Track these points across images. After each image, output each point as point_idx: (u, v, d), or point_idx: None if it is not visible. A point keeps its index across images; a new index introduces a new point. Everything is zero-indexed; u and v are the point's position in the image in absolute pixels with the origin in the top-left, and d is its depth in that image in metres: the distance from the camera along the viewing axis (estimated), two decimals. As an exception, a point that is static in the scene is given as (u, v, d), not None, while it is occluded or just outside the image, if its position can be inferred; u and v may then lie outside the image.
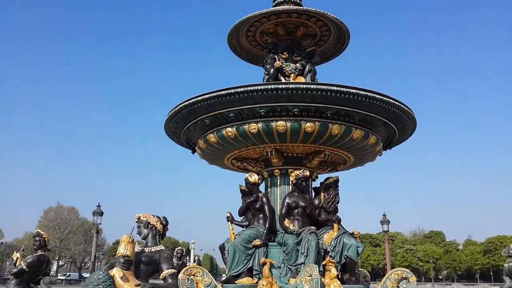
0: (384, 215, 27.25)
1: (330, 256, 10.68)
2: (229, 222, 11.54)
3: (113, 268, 5.60)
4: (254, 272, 10.65)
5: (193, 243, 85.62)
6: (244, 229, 11.42)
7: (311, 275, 8.92)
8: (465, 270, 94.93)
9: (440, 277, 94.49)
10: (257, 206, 11.27)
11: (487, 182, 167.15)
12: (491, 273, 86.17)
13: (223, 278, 11.17)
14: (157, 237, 6.40)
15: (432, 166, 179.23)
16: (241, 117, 10.95)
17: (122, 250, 5.73)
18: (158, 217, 6.54)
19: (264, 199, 11.29)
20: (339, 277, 10.71)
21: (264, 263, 10.37)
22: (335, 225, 11.19)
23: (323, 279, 10.13)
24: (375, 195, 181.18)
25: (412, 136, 13.28)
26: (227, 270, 10.91)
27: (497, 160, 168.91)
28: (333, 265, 10.41)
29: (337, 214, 11.68)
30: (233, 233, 11.23)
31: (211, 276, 9.91)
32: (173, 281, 5.93)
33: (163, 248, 6.29)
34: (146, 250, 6.21)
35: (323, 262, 10.51)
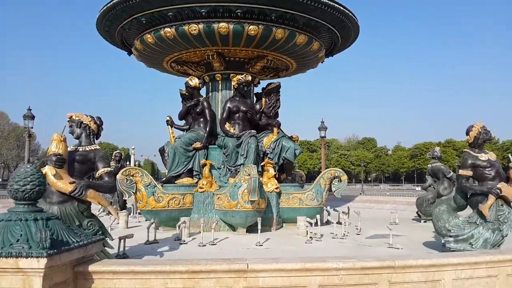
0: (322, 122, 28.41)
1: (269, 158, 11.18)
2: (169, 126, 11.52)
3: (45, 166, 5.44)
4: (194, 173, 10.97)
5: (133, 148, 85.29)
6: (184, 133, 11.51)
7: (249, 175, 9.33)
8: (392, 172, 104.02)
9: (369, 179, 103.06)
10: (198, 110, 11.26)
11: (417, 93, 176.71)
12: (415, 175, 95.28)
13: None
14: (91, 136, 6.19)
15: (368, 75, 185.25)
16: (180, 17, 10.41)
17: (54, 148, 5.52)
18: (91, 116, 6.29)
19: (205, 103, 11.27)
20: (277, 176, 11.35)
21: (204, 164, 10.68)
22: (275, 129, 11.56)
23: (261, 179, 10.69)
24: (314, 103, 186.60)
25: (353, 44, 13.43)
26: (167, 171, 11.14)
27: (426, 72, 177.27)
28: (271, 165, 10.96)
29: (277, 119, 12.01)
30: (173, 137, 11.28)
31: (150, 176, 10.11)
32: (109, 179, 5.88)
33: (98, 147, 6.15)
34: (80, 149, 6.02)
35: (262, 163, 11.01)
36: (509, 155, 7.69)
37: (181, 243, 8.63)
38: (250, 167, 9.44)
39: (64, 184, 5.48)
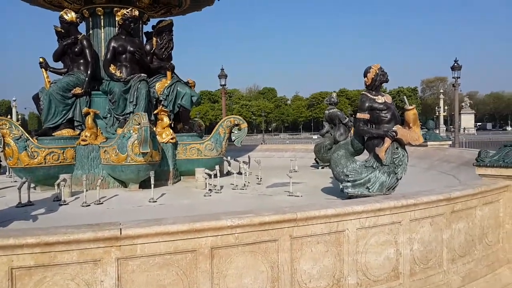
0: (222, 69, 27.53)
1: (162, 105, 10.18)
2: (43, 69, 9.84)
3: None
4: (76, 124, 9.61)
5: (15, 100, 76.55)
6: (62, 76, 9.92)
7: (140, 124, 8.32)
8: (291, 122, 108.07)
9: (270, 129, 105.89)
10: (76, 50, 9.71)
11: (315, 44, 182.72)
12: (312, 124, 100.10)
13: (40, 131, 9.90)
14: None
15: (268, 24, 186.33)
16: None
17: None
18: None
19: (85, 42, 9.75)
20: (172, 126, 10.46)
21: (87, 113, 9.37)
22: (168, 73, 10.49)
23: (154, 128, 9.71)
24: (213, 51, 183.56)
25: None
26: (43, 122, 9.63)
27: (323, 24, 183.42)
28: (166, 114, 10.00)
29: (171, 62, 10.91)
30: (49, 81, 9.68)
31: (21, 128, 8.59)
32: None
33: None
34: None
35: (155, 111, 9.99)
36: (404, 97, 7.70)
37: (61, 204, 7.50)
38: (140, 115, 8.40)
39: None
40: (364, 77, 7.24)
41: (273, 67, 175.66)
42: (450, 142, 17.19)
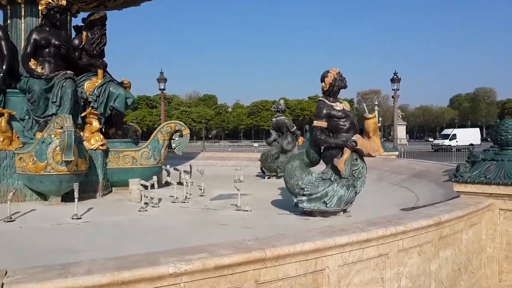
0: (161, 72, 26.24)
1: (92, 107, 8.96)
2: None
3: None
4: (-14, 126, 8.17)
5: None
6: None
7: (62, 127, 7.12)
8: (232, 129, 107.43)
9: (210, 136, 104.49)
10: None
11: (256, 52, 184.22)
12: (252, 132, 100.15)
13: None
14: None
15: (210, 30, 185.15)
16: None
17: None
18: None
19: (0, 33, 8.34)
20: (103, 131, 9.27)
21: (1, 114, 7.96)
22: (100, 71, 9.29)
23: (81, 133, 8.49)
24: (152, 53, 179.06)
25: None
26: None
27: (264, 33, 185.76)
28: (95, 117, 8.79)
29: (103, 59, 9.71)
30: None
31: None
32: None
33: None
34: None
35: (83, 114, 8.75)
36: (364, 105, 7.20)
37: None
38: (63, 118, 7.19)
39: None
40: (322, 82, 6.63)
41: (214, 74, 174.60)
42: (397, 153, 17.26)
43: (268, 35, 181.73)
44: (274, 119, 12.84)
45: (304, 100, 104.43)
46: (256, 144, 68.46)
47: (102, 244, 5.00)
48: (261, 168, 12.65)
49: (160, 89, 26.84)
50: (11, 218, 6.31)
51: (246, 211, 6.95)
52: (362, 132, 6.47)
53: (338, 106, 6.51)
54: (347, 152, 6.12)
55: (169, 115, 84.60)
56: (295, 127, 12.69)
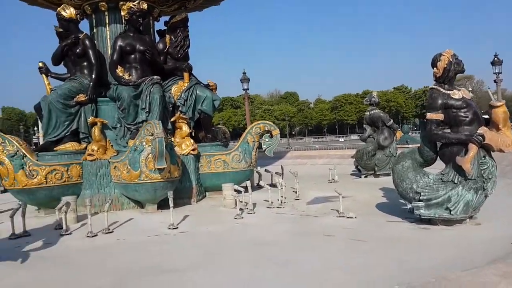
0: (244, 72, 26.17)
1: (181, 112, 8.77)
2: (43, 75, 8.57)
3: None
4: (81, 136, 8.27)
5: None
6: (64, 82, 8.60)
7: (153, 134, 6.91)
8: (315, 125, 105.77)
9: (293, 133, 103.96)
10: (78, 51, 8.39)
11: (335, 45, 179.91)
12: (336, 127, 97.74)
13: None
14: None
15: (287, 27, 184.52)
16: None
17: None
18: None
19: (87, 42, 8.42)
20: (193, 135, 9.05)
21: (94, 124, 8.03)
22: (186, 75, 9.06)
23: (172, 139, 8.31)
24: (235, 55, 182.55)
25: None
26: (43, 135, 8.34)
27: (343, 25, 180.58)
28: (185, 121, 8.58)
29: (188, 62, 9.48)
30: (50, 88, 8.41)
31: (16, 143, 7.30)
32: None
33: None
34: None
35: (172, 119, 8.57)
36: (489, 91, 6.07)
37: (62, 234, 6.16)
38: (153, 124, 6.99)
39: None
40: (433, 68, 5.65)
41: (294, 71, 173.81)
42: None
43: (346, 26, 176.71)
44: (367, 113, 11.83)
45: (389, 91, 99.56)
46: (342, 139, 66.63)
47: (202, 260, 4.59)
48: (356, 167, 11.74)
49: (243, 89, 26.76)
50: (109, 229, 6.20)
51: (351, 217, 6.19)
52: (488, 123, 5.41)
53: (456, 94, 5.50)
54: (473, 149, 5.11)
55: (253, 114, 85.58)
56: (391, 120, 11.59)
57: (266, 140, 8.89)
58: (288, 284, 3.73)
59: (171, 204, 6.37)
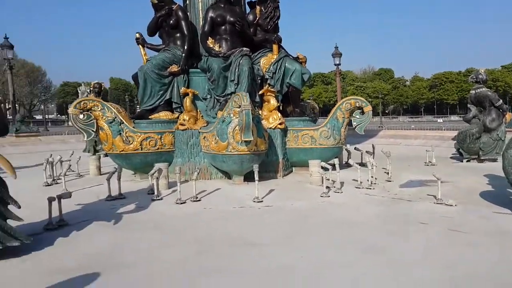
0: (336, 47, 25.27)
1: (269, 84, 8.61)
2: (140, 45, 8.90)
3: None
4: (174, 105, 8.52)
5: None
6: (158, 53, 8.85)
7: (240, 106, 6.85)
8: (411, 104, 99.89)
9: (387, 111, 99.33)
10: (172, 22, 8.53)
11: (435, 21, 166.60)
12: (435, 107, 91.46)
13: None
14: None
15: (384, 2, 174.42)
16: None
17: None
18: None
19: (180, 13, 8.50)
20: (281, 108, 8.88)
21: (185, 94, 8.20)
22: (275, 47, 8.83)
23: (259, 112, 8.22)
24: (326, 33, 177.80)
25: None
26: (139, 103, 8.73)
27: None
28: (273, 94, 8.42)
29: (277, 33, 9.22)
30: (146, 59, 8.72)
31: (114, 110, 7.70)
32: None
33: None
34: None
35: (260, 92, 8.46)
36: None
37: (154, 199, 6.42)
38: (240, 96, 6.92)
39: None
40: None
41: (389, 46, 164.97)
42: None
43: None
44: (473, 92, 10.71)
45: (496, 69, 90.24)
46: (440, 120, 62.27)
47: (285, 237, 4.44)
48: (458, 150, 10.75)
49: (335, 64, 25.97)
50: (196, 197, 6.33)
51: (450, 205, 5.61)
52: None
53: None
54: None
55: (344, 91, 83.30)
56: (501, 100, 10.37)
57: (357, 117, 8.43)
58: (378, 273, 3.41)
59: (256, 177, 6.30)
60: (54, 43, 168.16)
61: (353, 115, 8.49)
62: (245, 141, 7.03)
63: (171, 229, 4.90)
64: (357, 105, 8.44)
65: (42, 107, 73.18)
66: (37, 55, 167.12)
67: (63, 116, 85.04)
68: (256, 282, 3.28)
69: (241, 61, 8.09)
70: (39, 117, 77.80)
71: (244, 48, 8.29)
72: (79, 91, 14.16)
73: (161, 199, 6.49)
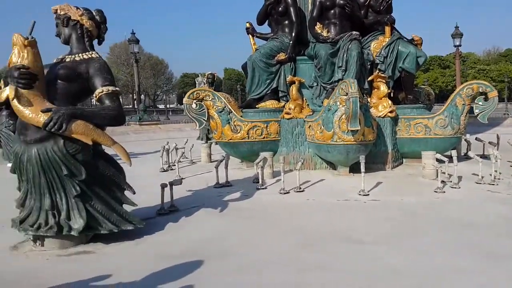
0: (457, 27, 22.96)
1: (379, 70, 8.15)
2: (250, 35, 9.03)
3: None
4: (280, 94, 8.52)
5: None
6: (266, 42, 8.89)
7: (347, 93, 6.57)
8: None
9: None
10: (281, 9, 8.47)
11: None
12: None
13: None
14: (86, 39, 4.10)
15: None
16: None
17: (15, 59, 3.56)
18: (85, 9, 4.14)
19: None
20: (392, 95, 8.36)
21: (292, 82, 8.13)
22: (387, 29, 8.30)
23: (368, 99, 7.83)
24: (446, 8, 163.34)
25: None
26: (247, 92, 8.88)
27: None
28: (383, 81, 7.95)
29: (390, 14, 8.63)
30: (255, 48, 8.83)
31: (224, 99, 7.93)
32: (112, 103, 3.80)
33: (95, 55, 4.06)
34: (67, 59, 4.00)
35: (369, 78, 8.04)
36: None
37: (258, 188, 6.51)
38: (348, 83, 6.62)
39: (33, 113, 3.58)
40: None
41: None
42: None
43: None
44: None
45: None
46: None
47: (392, 235, 4.15)
48: None
49: (455, 46, 23.74)
50: (300, 188, 6.27)
51: None
52: None
53: None
54: None
55: (464, 75, 76.33)
56: None
57: (480, 103, 7.58)
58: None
59: (362, 169, 6.02)
60: (175, 37, 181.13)
61: (475, 101, 7.66)
62: (351, 131, 6.75)
63: (274, 219, 4.91)
64: (480, 91, 7.59)
65: (164, 97, 79.41)
66: (161, 48, 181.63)
67: (181, 105, 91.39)
68: (364, 284, 3.09)
69: (349, 46, 7.76)
70: (161, 106, 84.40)
71: (354, 32, 7.92)
72: (196, 82, 15.00)
73: (265, 188, 6.55)
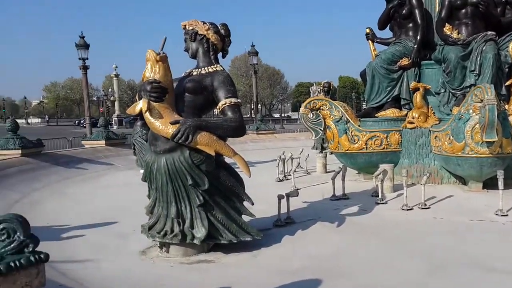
0: None
1: (520, 73, 7.15)
2: (369, 41, 8.64)
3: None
4: (402, 102, 7.94)
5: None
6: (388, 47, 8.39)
7: (482, 100, 5.86)
8: None
9: None
10: (404, 12, 7.91)
11: None
12: None
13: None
14: (211, 53, 4.26)
15: None
16: None
17: (148, 74, 3.83)
18: (211, 24, 4.31)
19: (414, 1, 7.81)
20: (536, 102, 7.27)
21: (416, 89, 7.55)
22: (528, 26, 7.27)
23: (506, 107, 6.92)
24: None
25: None
26: (366, 100, 8.49)
27: None
28: (524, 86, 6.96)
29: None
30: (375, 54, 8.41)
31: (341, 109, 7.69)
32: (233, 115, 3.89)
33: (219, 68, 4.20)
34: (194, 73, 4.20)
35: (507, 82, 7.10)
36: None
37: (378, 202, 6.14)
38: (483, 89, 5.90)
39: (163, 125, 3.81)
40: None
41: None
42: None
43: None
44: None
45: None
46: None
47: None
48: None
49: None
50: (425, 204, 5.74)
51: None
52: None
53: None
54: None
55: None
56: None
57: None
58: None
59: (500, 185, 5.29)
60: (290, 46, 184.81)
61: None
62: (486, 142, 6.01)
63: (396, 238, 4.55)
64: None
65: (280, 106, 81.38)
66: (277, 59, 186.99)
67: (295, 113, 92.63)
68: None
69: (484, 48, 6.93)
70: (276, 115, 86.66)
71: (489, 32, 7.05)
72: (311, 91, 14.93)
73: (386, 203, 6.14)
